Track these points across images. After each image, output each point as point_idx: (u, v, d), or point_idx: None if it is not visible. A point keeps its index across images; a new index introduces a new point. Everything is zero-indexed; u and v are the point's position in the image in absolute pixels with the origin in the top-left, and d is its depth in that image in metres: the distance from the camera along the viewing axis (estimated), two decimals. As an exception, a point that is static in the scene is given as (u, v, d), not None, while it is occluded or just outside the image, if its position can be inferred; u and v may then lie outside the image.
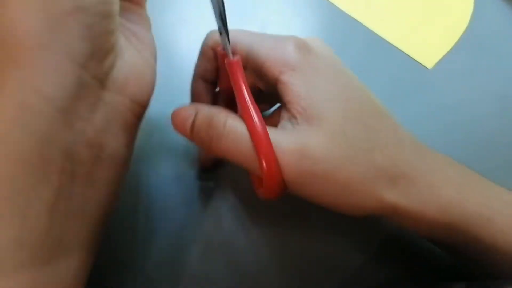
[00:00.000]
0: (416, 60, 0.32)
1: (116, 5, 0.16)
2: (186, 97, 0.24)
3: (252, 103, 0.19)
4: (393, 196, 0.18)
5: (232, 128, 0.19)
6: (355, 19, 0.33)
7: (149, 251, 0.24)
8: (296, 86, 0.18)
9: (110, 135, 0.16)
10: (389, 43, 0.32)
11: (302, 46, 0.20)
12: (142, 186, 0.26)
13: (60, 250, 0.15)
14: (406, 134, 0.20)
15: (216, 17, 0.18)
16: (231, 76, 0.19)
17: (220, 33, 0.19)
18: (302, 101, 0.18)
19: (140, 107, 0.18)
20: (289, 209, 0.26)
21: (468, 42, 0.32)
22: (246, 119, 0.18)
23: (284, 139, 0.18)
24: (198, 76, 0.23)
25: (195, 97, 0.23)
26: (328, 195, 0.18)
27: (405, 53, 0.32)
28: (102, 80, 0.16)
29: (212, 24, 0.19)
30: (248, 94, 0.19)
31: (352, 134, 0.18)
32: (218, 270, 0.24)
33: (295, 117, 0.18)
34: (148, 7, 0.21)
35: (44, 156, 0.14)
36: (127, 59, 0.17)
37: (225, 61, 0.20)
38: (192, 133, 0.20)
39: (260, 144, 0.18)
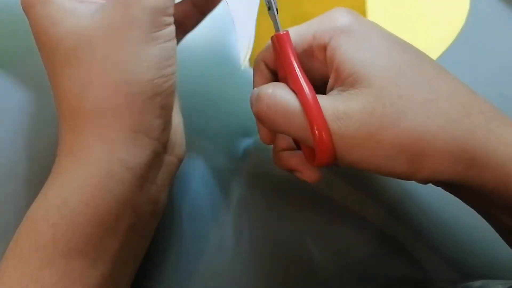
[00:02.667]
0: (412, 60, 0.32)
1: (177, 81, 0.19)
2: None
3: (301, 72, 0.19)
4: (472, 146, 0.17)
5: (279, 97, 0.18)
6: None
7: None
8: (345, 48, 0.18)
9: (164, 191, 0.19)
10: (386, 43, 0.32)
11: (350, 11, 0.19)
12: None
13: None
14: (468, 89, 0.19)
15: None
16: (280, 49, 0.19)
17: (269, 8, 0.19)
18: (350, 64, 0.18)
19: (180, 162, 0.20)
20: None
21: (464, 41, 0.32)
22: (295, 87, 0.18)
23: (330, 104, 0.17)
24: (261, 59, 0.22)
25: (256, 79, 0.22)
26: (377, 159, 0.17)
27: (402, 53, 0.32)
28: (165, 146, 0.19)
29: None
30: (297, 65, 0.19)
31: (407, 86, 0.17)
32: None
33: (342, 84, 0.18)
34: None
35: (119, 216, 0.17)
36: (174, 120, 0.20)
37: (274, 35, 0.19)
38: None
39: (311, 111, 0.17)
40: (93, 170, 0.17)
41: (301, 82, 0.18)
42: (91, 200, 0.16)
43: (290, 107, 0.18)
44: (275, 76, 0.22)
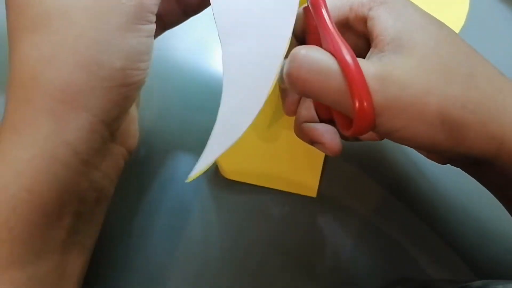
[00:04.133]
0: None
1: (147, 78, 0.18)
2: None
3: (339, 36, 0.17)
4: (504, 122, 0.16)
5: (314, 55, 0.17)
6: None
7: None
8: (385, 18, 0.17)
9: (109, 179, 0.19)
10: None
11: None
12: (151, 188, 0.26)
13: (63, 280, 0.17)
14: (498, 71, 0.19)
15: None
16: (315, 15, 0.18)
17: None
18: (391, 31, 0.17)
19: (129, 154, 0.20)
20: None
21: (464, 41, 0.32)
22: (333, 49, 0.17)
23: (370, 67, 0.16)
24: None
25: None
26: (418, 127, 0.16)
27: (402, 53, 0.32)
28: (114, 134, 0.18)
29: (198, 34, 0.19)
30: (334, 28, 0.17)
31: (448, 57, 0.17)
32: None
33: (383, 50, 0.17)
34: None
35: (62, 201, 0.16)
36: (131, 113, 0.20)
37: (309, 1, 0.18)
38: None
39: (350, 71, 0.16)
40: (37, 152, 0.15)
41: (339, 42, 0.17)
42: (35, 186, 0.15)
43: (327, 66, 0.16)
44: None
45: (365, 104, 0.16)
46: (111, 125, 0.17)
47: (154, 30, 0.18)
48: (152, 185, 0.26)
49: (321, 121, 0.21)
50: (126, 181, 0.24)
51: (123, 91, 0.17)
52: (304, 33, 0.20)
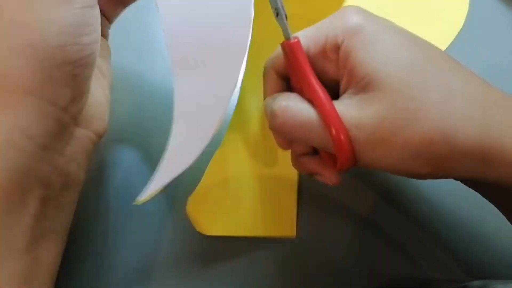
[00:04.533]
0: (412, 60, 0.32)
1: (97, 54, 0.17)
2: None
3: (315, 80, 0.19)
4: (488, 143, 0.16)
5: (294, 109, 0.19)
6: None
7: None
8: (356, 51, 0.18)
9: (75, 163, 0.18)
10: (385, 44, 0.32)
11: (360, 9, 0.19)
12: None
13: (36, 269, 0.17)
14: (483, 84, 0.18)
15: None
16: (291, 58, 0.19)
17: (277, 14, 0.19)
18: (362, 68, 0.17)
19: (99, 138, 0.20)
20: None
21: (463, 41, 0.32)
22: (311, 96, 0.18)
23: (345, 111, 0.18)
24: (270, 67, 0.21)
25: (267, 89, 0.22)
26: (395, 160, 0.17)
27: (401, 54, 0.32)
28: (75, 118, 0.18)
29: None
30: (310, 73, 0.19)
31: (420, 87, 0.17)
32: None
33: (355, 87, 0.18)
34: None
35: (23, 186, 0.16)
36: (94, 95, 0.19)
37: (285, 43, 0.19)
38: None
39: (330, 120, 0.17)
40: None
41: (317, 91, 0.18)
42: None
43: (307, 118, 0.18)
44: (286, 82, 0.21)
45: (345, 145, 0.17)
46: (67, 108, 0.17)
47: (90, 1, 0.17)
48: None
49: (316, 152, 0.22)
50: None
51: (68, 70, 0.16)
52: (285, 69, 0.21)
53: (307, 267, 0.25)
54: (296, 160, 0.22)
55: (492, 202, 0.21)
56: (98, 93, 0.20)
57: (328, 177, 0.21)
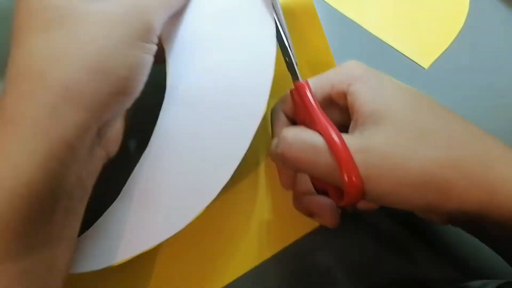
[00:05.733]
0: (412, 60, 0.32)
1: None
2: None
3: (323, 115, 0.19)
4: (493, 176, 0.17)
5: (303, 135, 0.19)
6: (350, 19, 0.33)
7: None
8: (363, 93, 0.19)
9: (91, 179, 0.19)
10: (385, 43, 0.32)
11: (361, 63, 0.21)
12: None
13: (51, 273, 0.17)
14: (480, 130, 0.19)
15: (279, 41, 0.20)
16: (301, 96, 0.20)
17: (286, 60, 0.20)
18: (369, 105, 0.19)
19: (109, 159, 0.20)
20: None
21: (464, 41, 0.32)
22: (319, 128, 0.19)
23: (353, 142, 0.18)
24: (279, 109, 0.23)
25: (276, 131, 0.22)
26: (405, 189, 0.17)
27: (401, 53, 0.32)
28: (102, 137, 0.19)
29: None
30: (318, 107, 0.20)
31: (426, 122, 0.18)
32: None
33: (363, 124, 0.19)
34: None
35: (56, 197, 0.16)
36: (118, 121, 0.20)
37: (294, 84, 0.20)
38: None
39: (337, 148, 0.17)
40: (35, 147, 0.15)
41: (325, 122, 0.19)
42: (32, 181, 0.15)
43: (316, 144, 0.18)
44: (294, 124, 0.22)
45: (353, 178, 0.17)
46: (102, 128, 0.18)
47: (155, 50, 0.19)
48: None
49: (318, 192, 0.22)
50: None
51: (121, 99, 0.18)
52: (293, 112, 0.22)
53: (307, 267, 0.25)
54: (297, 200, 0.23)
55: (493, 249, 0.21)
56: (120, 119, 0.21)
57: (327, 219, 0.21)
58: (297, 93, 0.20)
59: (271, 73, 0.20)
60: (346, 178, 0.17)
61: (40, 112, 0.16)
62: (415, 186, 0.17)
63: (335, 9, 0.33)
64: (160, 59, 0.22)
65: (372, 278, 0.25)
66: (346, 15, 0.33)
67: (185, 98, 0.21)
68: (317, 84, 0.21)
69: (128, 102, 0.19)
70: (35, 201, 0.15)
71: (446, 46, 0.32)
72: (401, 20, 0.34)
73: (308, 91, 0.20)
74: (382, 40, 0.32)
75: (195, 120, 0.21)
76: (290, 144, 0.19)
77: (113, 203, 0.21)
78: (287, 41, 0.21)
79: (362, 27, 0.33)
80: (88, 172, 0.19)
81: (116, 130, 0.20)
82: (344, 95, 0.20)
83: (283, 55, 0.20)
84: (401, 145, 0.17)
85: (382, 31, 0.33)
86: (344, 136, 0.18)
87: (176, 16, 0.21)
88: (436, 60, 0.32)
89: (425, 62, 0.32)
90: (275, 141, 0.20)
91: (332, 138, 0.18)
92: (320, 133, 0.19)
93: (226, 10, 0.21)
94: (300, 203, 0.22)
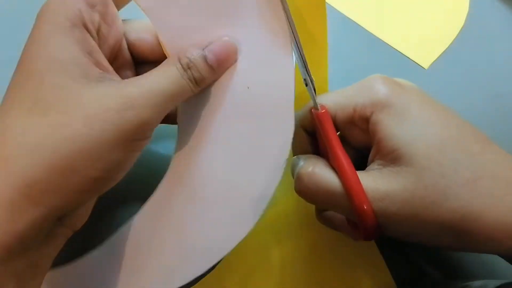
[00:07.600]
0: (412, 60, 0.32)
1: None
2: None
3: (340, 149, 0.19)
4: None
5: (319, 177, 0.19)
6: (351, 20, 0.33)
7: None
8: (386, 124, 0.18)
9: (47, 257, 0.18)
10: (386, 44, 0.32)
11: (389, 80, 0.19)
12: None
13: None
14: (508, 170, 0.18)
15: (300, 69, 0.19)
16: (320, 126, 0.20)
17: (306, 84, 0.19)
18: (391, 141, 0.18)
19: (73, 232, 0.19)
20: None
21: (464, 41, 0.32)
22: (336, 165, 0.19)
23: (371, 184, 0.17)
24: (299, 125, 0.22)
25: (296, 146, 0.22)
26: (423, 234, 0.17)
27: (402, 53, 0.32)
28: (62, 220, 0.18)
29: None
30: (336, 142, 0.19)
31: (450, 164, 0.17)
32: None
33: (383, 159, 0.18)
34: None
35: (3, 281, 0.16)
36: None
37: (313, 112, 0.20)
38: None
39: (353, 195, 0.17)
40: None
41: (342, 162, 0.18)
42: (34, 215, 0.15)
43: (331, 188, 0.18)
44: (314, 138, 0.22)
45: (368, 219, 0.17)
46: (63, 217, 0.17)
47: (146, 145, 0.18)
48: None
49: None
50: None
51: (89, 196, 0.17)
52: (313, 129, 0.21)
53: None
54: (320, 215, 0.22)
55: None
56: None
57: (351, 234, 0.21)
58: (317, 122, 0.20)
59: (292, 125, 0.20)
60: (362, 223, 0.18)
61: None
62: (432, 234, 0.17)
63: (335, 9, 0.33)
64: (172, 122, 0.21)
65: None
66: (346, 15, 0.33)
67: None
68: (337, 105, 0.20)
69: (96, 196, 0.18)
70: (40, 232, 0.16)
71: (446, 46, 0.32)
72: (401, 20, 0.34)
73: (327, 122, 0.19)
74: (382, 40, 0.32)
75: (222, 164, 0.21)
76: (307, 187, 0.19)
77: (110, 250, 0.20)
78: (306, 68, 0.19)
79: (362, 27, 0.33)
80: (42, 253, 0.17)
81: (84, 207, 0.19)
82: (366, 120, 0.19)
83: (302, 76, 0.20)
84: (419, 194, 0.17)
85: (382, 31, 0.33)
86: (362, 176, 0.18)
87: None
88: (436, 60, 0.32)
89: (425, 62, 0.32)
90: (295, 161, 0.20)
91: (350, 183, 0.18)
92: (337, 170, 0.19)
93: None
94: (323, 219, 0.22)
